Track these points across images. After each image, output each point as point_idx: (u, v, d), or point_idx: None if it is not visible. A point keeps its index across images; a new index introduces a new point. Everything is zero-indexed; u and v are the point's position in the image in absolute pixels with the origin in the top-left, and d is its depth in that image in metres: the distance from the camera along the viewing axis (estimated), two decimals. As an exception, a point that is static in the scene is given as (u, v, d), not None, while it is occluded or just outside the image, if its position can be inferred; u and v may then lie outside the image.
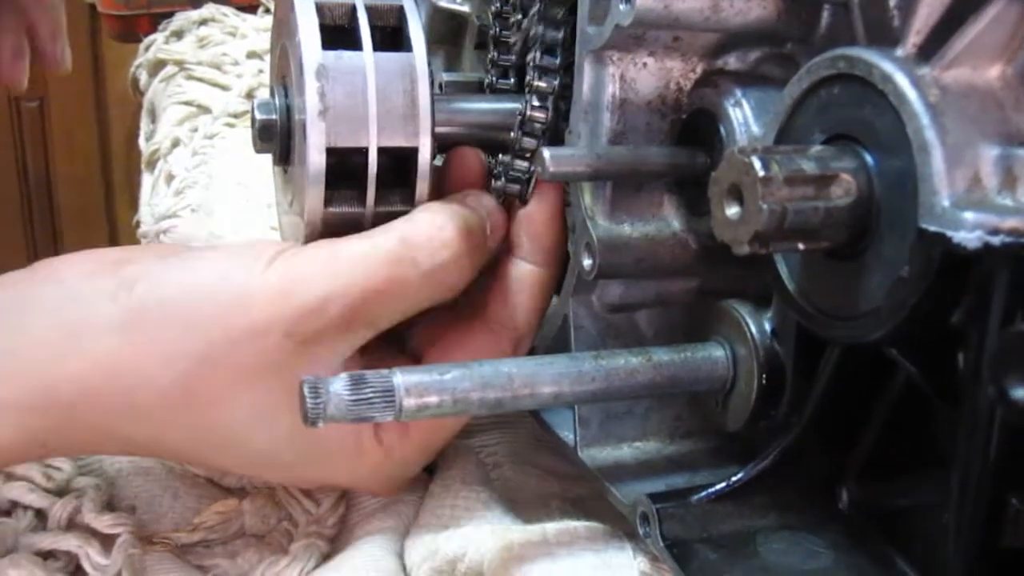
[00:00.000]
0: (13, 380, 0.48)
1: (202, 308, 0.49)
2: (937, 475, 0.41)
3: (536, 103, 0.53)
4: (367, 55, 0.50)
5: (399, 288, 0.49)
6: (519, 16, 0.56)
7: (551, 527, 0.50)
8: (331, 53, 0.50)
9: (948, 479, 0.38)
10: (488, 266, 0.54)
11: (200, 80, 1.05)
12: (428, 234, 0.50)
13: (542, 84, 0.52)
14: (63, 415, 0.48)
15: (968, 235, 0.34)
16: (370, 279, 0.48)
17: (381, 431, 0.52)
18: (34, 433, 0.49)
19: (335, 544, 0.55)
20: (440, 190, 0.55)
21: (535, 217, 0.53)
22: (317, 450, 0.52)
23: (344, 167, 0.51)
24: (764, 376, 0.46)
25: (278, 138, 0.53)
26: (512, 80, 0.59)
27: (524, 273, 0.54)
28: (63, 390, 0.48)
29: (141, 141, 1.07)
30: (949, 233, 0.34)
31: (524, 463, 0.60)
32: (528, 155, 0.53)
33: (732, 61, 0.49)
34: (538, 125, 0.53)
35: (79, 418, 0.49)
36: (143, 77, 1.13)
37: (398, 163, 0.52)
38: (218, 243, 0.57)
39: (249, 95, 1.02)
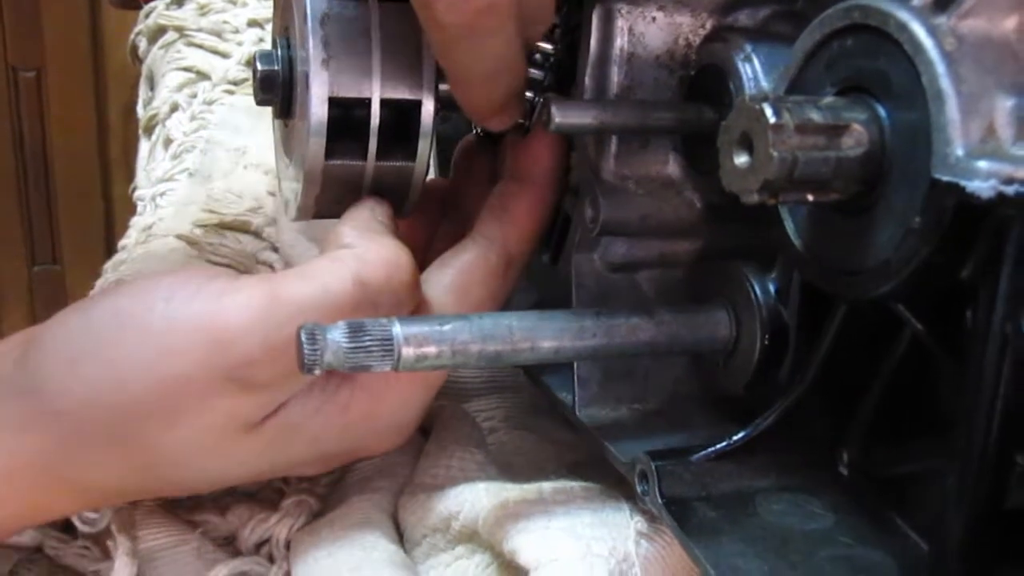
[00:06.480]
0: None
1: (110, 358, 0.43)
2: (940, 439, 0.41)
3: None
4: (372, 4, 0.50)
5: None
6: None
7: (547, 486, 0.49)
8: (335, 1, 0.49)
9: (951, 443, 0.38)
10: (483, 190, 0.53)
11: (200, 47, 1.04)
12: (387, 273, 0.46)
13: None
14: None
15: (982, 184, 0.33)
16: None
17: (365, 379, 0.48)
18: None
19: (327, 502, 0.55)
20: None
21: (535, 142, 0.52)
22: (294, 448, 0.48)
23: (346, 122, 0.50)
24: (767, 337, 0.46)
25: (279, 89, 0.53)
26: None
27: (518, 189, 0.52)
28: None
29: (139, 108, 1.06)
30: (963, 183, 0.34)
31: (520, 428, 0.59)
32: (532, 85, 0.52)
33: (742, 18, 0.48)
34: (539, 56, 0.52)
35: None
36: (143, 44, 1.12)
37: (401, 118, 0.51)
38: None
39: (249, 63, 1.01)
